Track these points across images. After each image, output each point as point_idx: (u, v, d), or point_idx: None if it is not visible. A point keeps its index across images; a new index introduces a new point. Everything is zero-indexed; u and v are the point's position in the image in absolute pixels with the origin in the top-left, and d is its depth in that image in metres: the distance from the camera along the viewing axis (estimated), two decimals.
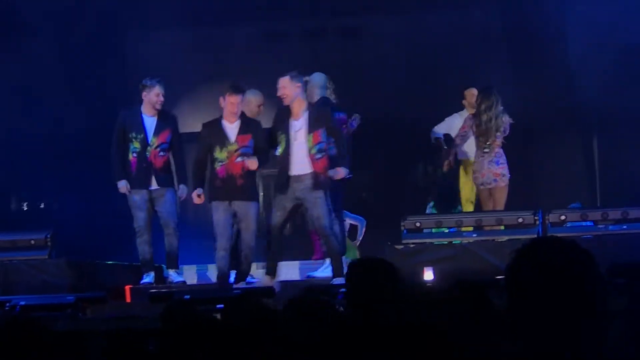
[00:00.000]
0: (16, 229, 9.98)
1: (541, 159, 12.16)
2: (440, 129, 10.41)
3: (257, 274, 9.27)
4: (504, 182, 9.49)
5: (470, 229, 8.81)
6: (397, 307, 3.31)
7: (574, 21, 11.86)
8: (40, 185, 12.37)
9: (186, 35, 12.73)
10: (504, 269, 2.25)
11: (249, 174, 8.66)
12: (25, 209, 13.25)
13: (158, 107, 9.18)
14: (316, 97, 9.25)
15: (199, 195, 8.74)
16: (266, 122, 9.11)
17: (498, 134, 9.44)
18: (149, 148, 9.13)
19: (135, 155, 9.14)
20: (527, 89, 11.55)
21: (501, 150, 9.51)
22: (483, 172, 9.49)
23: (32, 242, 9.16)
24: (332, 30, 13.08)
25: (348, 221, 10.64)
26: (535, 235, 8.29)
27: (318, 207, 8.46)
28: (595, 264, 2.19)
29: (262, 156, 8.72)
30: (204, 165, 8.80)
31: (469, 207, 10.27)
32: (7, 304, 7.54)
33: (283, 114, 8.64)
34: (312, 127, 8.49)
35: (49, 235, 9.14)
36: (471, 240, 8.60)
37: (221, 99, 8.70)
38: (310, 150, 8.48)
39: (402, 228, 8.66)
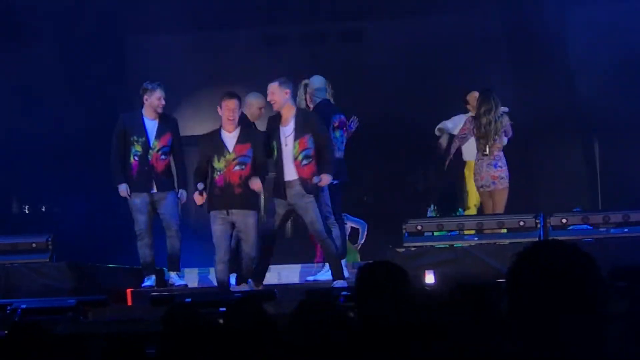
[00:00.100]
0: (17, 232, 9.99)
1: (542, 161, 12.16)
2: (447, 126, 10.39)
3: None
4: (502, 185, 9.47)
5: (472, 232, 8.81)
6: (407, 310, 3.31)
7: (574, 23, 11.88)
8: (41, 187, 12.38)
9: (186, 38, 12.74)
10: (506, 272, 2.25)
11: (247, 183, 8.59)
12: (27, 212, 13.26)
13: (160, 110, 9.19)
14: (317, 100, 9.26)
15: (200, 194, 8.63)
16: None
17: (497, 137, 9.43)
18: (150, 151, 9.13)
19: (136, 158, 9.13)
20: (528, 91, 11.57)
21: (501, 153, 9.50)
22: (482, 174, 9.50)
23: (33, 245, 9.15)
24: (333, 34, 13.10)
25: (349, 224, 10.64)
26: (537, 239, 8.28)
27: (310, 212, 8.48)
28: (597, 267, 2.19)
29: (263, 171, 8.68)
30: (204, 173, 8.77)
31: (475, 211, 10.27)
32: (8, 307, 7.53)
33: (274, 121, 8.67)
34: (298, 133, 8.51)
35: (50, 239, 9.14)
36: (472, 244, 8.60)
37: (218, 108, 8.69)
38: (296, 156, 8.51)
39: (404, 231, 8.65)
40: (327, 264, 8.88)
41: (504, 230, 8.82)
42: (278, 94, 8.54)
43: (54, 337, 4.77)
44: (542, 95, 11.71)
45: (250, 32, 13.03)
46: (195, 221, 10.97)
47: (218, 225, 8.59)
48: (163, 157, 9.18)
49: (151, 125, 9.18)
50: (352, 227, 10.81)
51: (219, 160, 8.60)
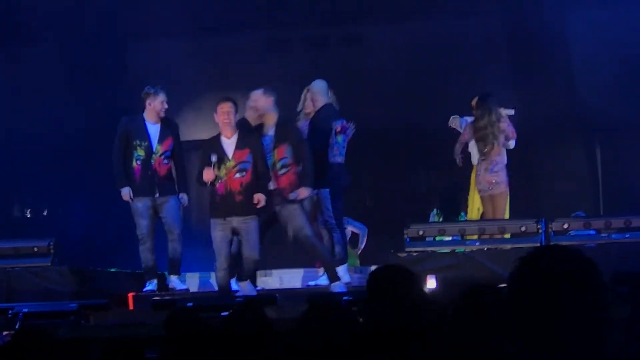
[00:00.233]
0: (19, 236, 9.98)
1: (542, 161, 12.15)
2: (460, 121, 10.28)
3: (260, 282, 9.27)
4: (499, 190, 9.44)
5: (474, 237, 8.80)
6: (417, 313, 3.32)
7: (574, 23, 11.86)
8: (41, 188, 12.39)
9: (187, 41, 12.73)
10: (507, 277, 2.25)
11: (248, 190, 8.53)
12: (29, 216, 13.26)
13: (162, 114, 9.19)
14: (320, 104, 9.26)
15: (212, 166, 8.44)
16: None
17: (495, 141, 9.39)
18: (153, 156, 9.12)
19: (139, 162, 9.12)
20: (528, 92, 11.55)
21: (499, 158, 9.46)
22: (480, 179, 9.50)
23: (35, 249, 9.15)
24: (335, 38, 13.10)
25: (349, 228, 10.64)
26: (539, 244, 8.27)
27: (296, 218, 8.53)
28: (599, 272, 2.19)
29: (265, 181, 8.67)
30: None
31: (478, 215, 10.25)
32: (10, 311, 7.54)
33: (257, 129, 8.73)
34: (277, 142, 8.57)
35: (51, 243, 9.13)
36: (474, 249, 8.59)
37: (214, 114, 8.68)
38: (274, 165, 8.55)
39: (405, 236, 8.64)
40: None
41: (507, 235, 8.82)
42: (261, 101, 8.65)
43: (56, 341, 4.77)
44: (542, 96, 11.69)
45: (251, 36, 13.02)
46: (196, 226, 10.98)
47: (218, 232, 8.58)
48: (165, 161, 9.18)
49: (154, 129, 9.17)
50: (352, 232, 10.81)
51: (219, 168, 8.60)
